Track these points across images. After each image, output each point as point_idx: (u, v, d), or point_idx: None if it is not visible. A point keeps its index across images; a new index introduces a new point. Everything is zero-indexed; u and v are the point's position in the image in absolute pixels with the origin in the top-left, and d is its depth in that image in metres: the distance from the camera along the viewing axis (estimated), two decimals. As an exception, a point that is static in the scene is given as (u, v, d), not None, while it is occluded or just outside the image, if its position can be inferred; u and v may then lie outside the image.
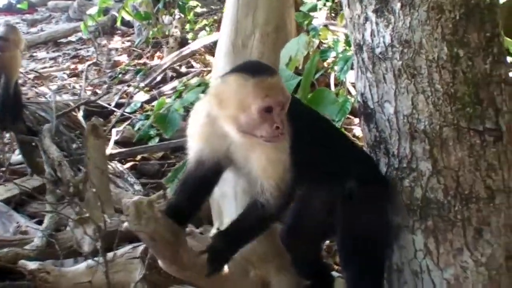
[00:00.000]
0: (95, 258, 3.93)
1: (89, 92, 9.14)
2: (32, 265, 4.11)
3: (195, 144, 3.37)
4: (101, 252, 3.59)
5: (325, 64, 7.28)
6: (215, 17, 13.59)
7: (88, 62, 10.33)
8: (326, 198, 3.58)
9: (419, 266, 3.52)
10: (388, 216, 3.55)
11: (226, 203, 3.75)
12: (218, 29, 10.43)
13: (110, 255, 3.96)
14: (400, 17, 3.28)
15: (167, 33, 11.69)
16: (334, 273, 4.28)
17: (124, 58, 12.14)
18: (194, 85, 5.45)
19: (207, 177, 3.41)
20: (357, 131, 6.99)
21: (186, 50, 10.33)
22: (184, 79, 9.12)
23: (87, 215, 4.19)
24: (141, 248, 3.99)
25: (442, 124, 3.32)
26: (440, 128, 3.32)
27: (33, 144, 6.55)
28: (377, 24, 3.38)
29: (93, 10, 11.44)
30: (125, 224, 3.21)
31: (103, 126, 7.51)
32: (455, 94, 3.29)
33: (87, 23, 10.53)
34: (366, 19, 3.43)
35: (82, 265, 4.20)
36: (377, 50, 3.41)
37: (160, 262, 3.56)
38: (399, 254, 3.60)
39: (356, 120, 7.17)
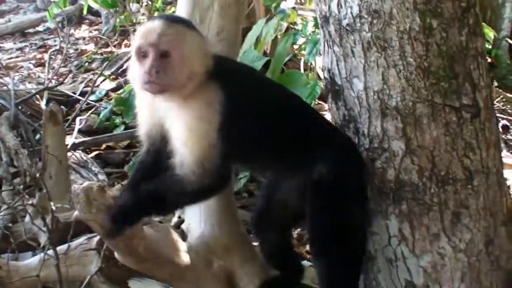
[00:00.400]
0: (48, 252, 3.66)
1: (54, 82, 8.84)
2: (-14, 260, 3.87)
3: (139, 118, 3.19)
4: (49, 244, 3.32)
5: (294, 48, 7.09)
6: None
7: (51, 50, 9.97)
8: (294, 182, 3.34)
9: (393, 253, 3.34)
10: (365, 201, 3.32)
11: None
12: (187, 16, 10.27)
13: (64, 247, 3.71)
14: (369, -15, 3.05)
15: (134, 21, 11.40)
16: (305, 262, 4.08)
17: (91, 47, 11.89)
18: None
19: (160, 155, 3.12)
20: (329, 116, 6.79)
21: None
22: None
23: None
24: (96, 239, 3.74)
25: (416, 100, 3.11)
26: (413, 105, 3.12)
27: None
28: (344, -7, 3.14)
29: (61, -2, 11.17)
30: (76, 213, 2.95)
31: (67, 115, 7.34)
32: (428, 68, 3.09)
33: (53, 11, 10.18)
34: (332, -12, 3.19)
35: (35, 259, 3.96)
36: (344, 22, 3.17)
37: (116, 254, 3.33)
38: (372, 241, 3.40)
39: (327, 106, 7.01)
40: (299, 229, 5.11)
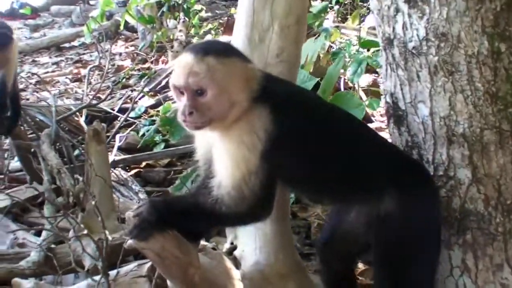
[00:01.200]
0: (96, 277, 3.54)
1: (92, 98, 8.80)
2: (27, 283, 3.76)
3: (195, 142, 3.12)
4: (103, 270, 3.20)
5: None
6: (220, 21, 13.39)
7: (90, 66, 9.94)
8: (362, 213, 3.18)
9: (455, 284, 3.23)
10: (438, 233, 3.11)
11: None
12: (224, 33, 10.19)
13: (113, 273, 3.60)
14: (436, 7, 2.93)
15: (171, 37, 11.39)
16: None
17: (128, 63, 11.86)
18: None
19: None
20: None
21: (191, 53, 10.00)
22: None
23: (85, 230, 3.77)
24: (147, 265, 3.62)
25: (483, 127, 2.99)
26: (480, 132, 3.00)
27: (32, 150, 6.24)
28: (409, 15, 3.03)
29: (96, 13, 11.15)
30: (130, 241, 2.84)
31: (106, 132, 7.28)
32: (496, 94, 2.96)
33: (90, 26, 10.16)
34: (397, 10, 3.08)
35: (82, 284, 3.83)
36: (410, 45, 3.06)
37: (169, 282, 3.23)
38: (433, 271, 3.26)
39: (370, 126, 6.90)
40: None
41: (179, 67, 2.76)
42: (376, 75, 8.33)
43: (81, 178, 4.68)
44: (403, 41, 3.08)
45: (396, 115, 3.27)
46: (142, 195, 6.03)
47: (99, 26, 10.78)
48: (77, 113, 7.24)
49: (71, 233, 4.21)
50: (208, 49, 2.80)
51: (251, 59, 3.01)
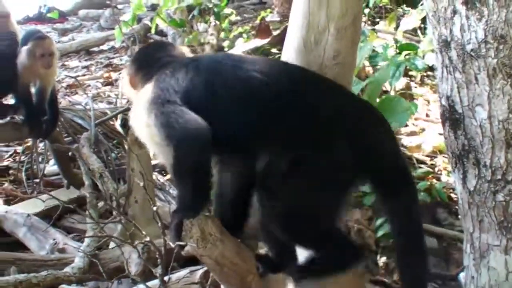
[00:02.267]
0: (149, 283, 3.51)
1: (124, 101, 8.80)
2: (75, 290, 3.78)
3: None
4: (161, 277, 3.17)
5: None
6: (251, 25, 13.36)
7: (123, 70, 9.94)
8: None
9: (510, 289, 3.16)
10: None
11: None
12: (256, 36, 10.15)
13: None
14: (495, 9, 2.91)
15: (202, 40, 11.38)
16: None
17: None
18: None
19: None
20: (405, 140, 6.66)
21: (223, 57, 9.99)
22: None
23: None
24: (200, 272, 3.61)
25: (542, 130, 2.94)
26: (540, 135, 2.94)
27: (70, 154, 6.26)
28: (467, 17, 3.00)
29: (127, 17, 11.20)
30: (187, 247, 2.83)
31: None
32: (556, 96, 2.91)
33: (121, 29, 10.18)
34: (454, 12, 3.05)
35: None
36: (468, 47, 3.03)
37: (224, 289, 3.20)
38: (488, 276, 3.23)
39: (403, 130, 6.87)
40: (385, 258, 4.98)
41: None
42: (409, 78, 8.31)
43: (122, 183, 4.70)
44: (461, 44, 3.05)
45: (452, 119, 3.24)
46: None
47: (130, 29, 10.85)
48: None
49: (117, 235, 4.22)
50: None
51: (306, 61, 3.04)
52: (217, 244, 2.75)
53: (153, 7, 14.23)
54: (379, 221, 5.15)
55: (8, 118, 5.69)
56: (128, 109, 7.11)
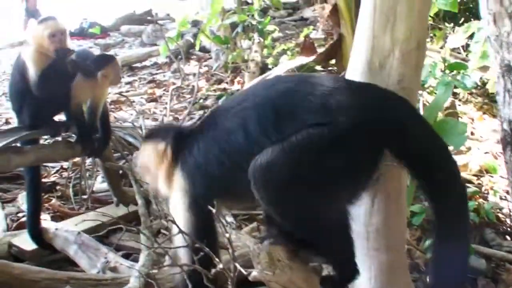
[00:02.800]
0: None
1: (170, 118, 8.85)
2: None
3: None
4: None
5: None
6: (294, 42, 13.36)
7: (172, 87, 10.00)
8: None
9: None
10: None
11: (358, 243, 3.34)
12: (301, 54, 10.15)
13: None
14: (561, 34, 2.87)
15: (246, 57, 11.41)
16: None
17: (202, 83, 11.89)
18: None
19: None
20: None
21: (269, 75, 9.96)
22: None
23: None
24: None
25: None
26: None
27: (121, 172, 6.29)
28: (531, 42, 2.96)
29: (171, 34, 11.28)
30: (254, 273, 2.82)
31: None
32: None
33: (167, 46, 10.25)
34: (518, 37, 3.02)
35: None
36: (533, 72, 2.99)
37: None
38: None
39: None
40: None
41: None
42: (453, 96, 8.28)
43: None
44: (524, 69, 3.03)
45: (514, 143, 3.21)
46: (229, 218, 5.99)
47: (175, 46, 10.92)
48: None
49: (167, 259, 4.21)
50: None
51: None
52: (285, 270, 2.74)
53: (194, 23, 14.36)
54: (428, 242, 5.12)
55: (59, 137, 5.74)
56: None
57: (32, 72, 5.11)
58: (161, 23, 21.33)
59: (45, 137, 6.15)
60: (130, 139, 6.56)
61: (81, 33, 19.34)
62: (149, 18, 20.16)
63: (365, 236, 3.48)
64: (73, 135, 5.65)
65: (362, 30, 3.32)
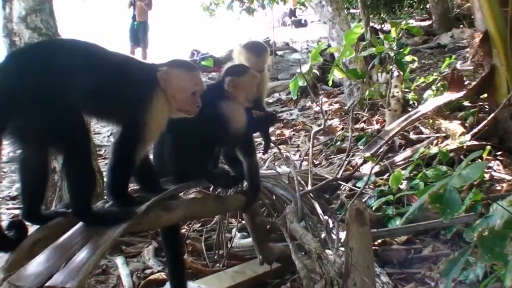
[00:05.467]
0: None
1: (305, 162, 8.83)
2: None
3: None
4: None
5: None
6: (433, 73, 13.18)
7: (314, 129, 9.92)
8: None
9: None
10: None
11: None
12: (449, 88, 9.95)
13: None
14: None
15: (383, 93, 11.30)
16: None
17: (335, 122, 11.86)
18: (467, 161, 4.94)
19: None
20: None
21: (415, 114, 9.82)
22: (420, 147, 8.60)
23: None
24: None
25: None
26: None
27: (268, 227, 6.30)
28: None
29: (291, 65, 11.30)
30: None
31: (328, 202, 7.27)
32: None
33: (297, 83, 10.15)
34: None
35: None
36: None
37: None
38: None
39: None
40: None
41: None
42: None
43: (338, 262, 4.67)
44: None
45: None
46: (383, 278, 5.90)
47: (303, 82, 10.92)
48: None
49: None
50: None
51: None
52: None
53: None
54: None
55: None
56: (336, 179, 7.16)
57: None
58: (279, 53, 21.54)
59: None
60: (281, 191, 6.54)
61: (193, 67, 19.64)
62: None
63: None
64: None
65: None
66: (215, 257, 6.86)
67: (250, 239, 6.60)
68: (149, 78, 4.62)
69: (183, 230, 7.51)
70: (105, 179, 5.60)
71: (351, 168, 8.67)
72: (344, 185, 8.06)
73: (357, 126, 11.25)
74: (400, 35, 11.23)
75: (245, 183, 5.88)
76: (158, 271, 6.60)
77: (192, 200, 5.82)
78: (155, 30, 23.14)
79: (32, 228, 4.61)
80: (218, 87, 5.37)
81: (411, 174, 7.83)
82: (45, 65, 4.25)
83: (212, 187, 6.13)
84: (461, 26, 18.36)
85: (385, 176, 8.14)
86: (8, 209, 8.54)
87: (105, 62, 4.55)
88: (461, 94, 9.66)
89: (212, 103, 5.17)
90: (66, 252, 4.09)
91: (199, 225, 7.66)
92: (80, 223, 4.38)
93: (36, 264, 3.92)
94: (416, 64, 14.08)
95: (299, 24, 44.49)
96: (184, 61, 5.01)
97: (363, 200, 7.23)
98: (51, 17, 7.70)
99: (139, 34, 21.70)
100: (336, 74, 10.86)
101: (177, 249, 5.62)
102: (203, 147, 5.21)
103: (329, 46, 12.99)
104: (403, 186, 7.59)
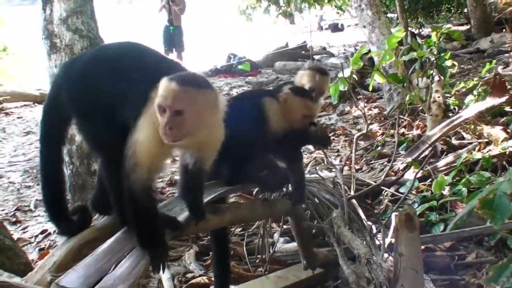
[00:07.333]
0: None
1: (345, 167, 8.80)
2: None
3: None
4: None
5: None
6: (473, 78, 13.10)
7: (357, 134, 9.86)
8: None
9: None
10: None
11: None
12: (491, 94, 9.87)
13: None
14: None
15: (424, 98, 11.23)
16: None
17: (375, 127, 11.81)
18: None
19: None
20: None
21: (457, 119, 9.74)
22: (463, 153, 8.54)
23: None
24: None
25: None
26: None
27: (313, 232, 6.31)
28: None
29: (329, 70, 11.25)
30: None
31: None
32: None
33: (338, 88, 10.09)
34: None
35: None
36: None
37: None
38: None
39: None
40: None
41: (165, 91, 3.86)
42: None
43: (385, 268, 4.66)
44: None
45: None
46: (428, 284, 5.86)
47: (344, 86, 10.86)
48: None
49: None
50: (190, 80, 3.96)
51: None
52: None
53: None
54: None
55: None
56: (385, 184, 7.14)
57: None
58: (316, 57, 21.48)
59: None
60: (327, 196, 6.54)
61: (229, 70, 19.69)
62: (303, 52, 20.28)
63: None
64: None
65: None
66: (257, 261, 6.86)
67: (293, 244, 6.62)
68: None
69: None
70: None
71: (392, 173, 8.60)
72: (386, 190, 7.99)
73: (394, 130, 11.16)
74: (440, 39, 11.13)
75: (289, 186, 5.88)
76: (200, 275, 6.60)
77: (239, 204, 5.84)
78: (190, 34, 23.21)
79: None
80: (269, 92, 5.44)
81: (454, 180, 7.75)
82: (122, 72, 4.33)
83: (255, 191, 6.15)
84: (503, 30, 18.24)
85: (428, 182, 8.06)
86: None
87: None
88: (503, 99, 9.59)
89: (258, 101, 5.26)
90: (116, 254, 4.11)
91: (240, 229, 7.65)
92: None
93: (84, 266, 3.94)
94: (455, 69, 13.97)
95: (336, 28, 44.43)
96: None
97: (406, 206, 7.19)
98: (92, 19, 7.77)
99: (174, 38, 21.79)
100: (377, 79, 10.77)
101: (225, 252, 5.64)
102: (250, 150, 5.23)
103: (369, 51, 12.87)
104: (446, 192, 7.52)
